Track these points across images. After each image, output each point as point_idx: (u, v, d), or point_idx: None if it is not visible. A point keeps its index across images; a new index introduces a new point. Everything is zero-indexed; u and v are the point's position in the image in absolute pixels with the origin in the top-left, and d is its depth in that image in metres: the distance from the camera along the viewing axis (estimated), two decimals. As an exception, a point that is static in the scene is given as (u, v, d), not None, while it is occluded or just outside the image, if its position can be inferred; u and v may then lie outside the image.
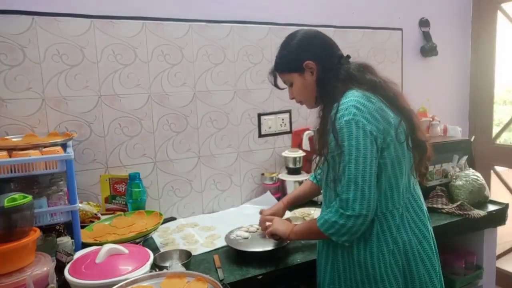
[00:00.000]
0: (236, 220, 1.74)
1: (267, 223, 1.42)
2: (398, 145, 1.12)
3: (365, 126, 1.06)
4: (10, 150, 1.29)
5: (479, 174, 1.92)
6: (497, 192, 2.42)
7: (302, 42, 1.21)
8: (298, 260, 1.39)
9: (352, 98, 1.10)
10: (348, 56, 1.23)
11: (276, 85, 1.32)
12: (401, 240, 1.14)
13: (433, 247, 1.21)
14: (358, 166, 1.05)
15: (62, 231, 1.44)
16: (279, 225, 1.34)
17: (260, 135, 2.09)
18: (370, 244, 1.13)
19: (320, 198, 1.89)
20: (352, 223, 1.06)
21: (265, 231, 1.41)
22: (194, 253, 1.42)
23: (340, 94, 1.13)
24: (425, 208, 1.24)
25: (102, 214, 1.68)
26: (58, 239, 1.35)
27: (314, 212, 1.77)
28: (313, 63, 1.18)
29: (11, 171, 1.25)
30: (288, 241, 1.40)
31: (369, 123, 1.06)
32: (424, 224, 1.19)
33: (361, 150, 1.05)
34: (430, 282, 1.16)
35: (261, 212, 1.53)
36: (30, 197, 1.13)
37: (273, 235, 1.36)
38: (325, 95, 1.18)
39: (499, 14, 2.60)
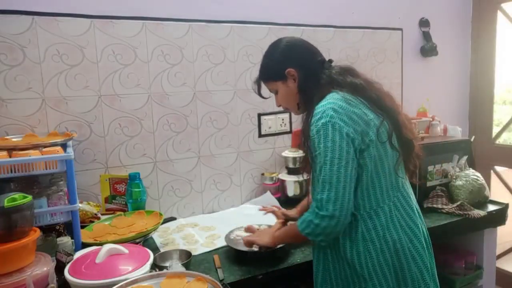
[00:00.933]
0: (236, 220, 1.73)
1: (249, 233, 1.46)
2: (380, 144, 1.13)
3: (342, 128, 1.07)
4: (10, 150, 1.29)
5: (479, 174, 1.92)
6: (497, 192, 2.42)
7: (284, 50, 1.24)
8: (298, 260, 1.39)
9: (330, 100, 1.12)
10: (330, 61, 1.26)
11: (260, 94, 1.36)
12: (391, 238, 1.14)
13: (424, 245, 1.20)
14: (332, 167, 1.07)
15: (62, 231, 1.44)
16: (260, 236, 1.36)
17: (260, 135, 2.09)
18: (357, 244, 1.14)
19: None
20: (326, 224, 1.08)
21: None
22: (194, 253, 1.42)
23: (320, 98, 1.16)
24: (415, 206, 1.24)
25: (102, 214, 1.68)
26: (58, 239, 1.35)
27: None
28: (294, 70, 1.22)
29: (11, 171, 1.25)
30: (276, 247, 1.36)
31: (346, 125, 1.08)
32: (414, 222, 1.19)
33: (337, 152, 1.07)
34: (422, 281, 1.16)
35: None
36: (30, 197, 1.13)
37: (250, 244, 1.36)
38: (306, 101, 1.21)
39: (499, 14, 2.60)
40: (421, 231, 1.21)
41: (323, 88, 1.19)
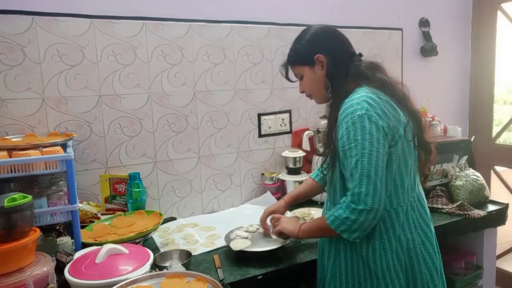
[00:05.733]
0: (236, 220, 1.74)
1: (275, 223, 1.42)
2: (406, 143, 1.13)
3: (378, 121, 1.07)
4: (10, 150, 1.29)
5: (479, 174, 1.92)
6: (497, 192, 2.42)
7: (315, 36, 1.22)
8: (298, 260, 1.39)
9: (363, 94, 1.11)
10: (360, 54, 1.25)
11: (287, 77, 1.34)
12: (405, 238, 1.14)
13: (435, 247, 1.21)
14: (371, 160, 1.05)
15: (62, 231, 1.44)
16: (286, 224, 1.33)
17: (260, 135, 2.09)
18: (373, 241, 1.14)
19: (319, 198, 1.89)
20: (364, 218, 1.06)
21: (268, 230, 1.41)
22: (194, 253, 1.42)
23: (349, 90, 1.15)
24: (427, 208, 1.25)
25: (102, 214, 1.68)
26: (58, 239, 1.35)
27: (314, 212, 1.77)
28: (323, 57, 1.19)
29: (11, 171, 1.24)
30: (293, 239, 1.37)
31: (381, 119, 1.08)
32: (427, 224, 1.20)
33: (374, 144, 1.06)
34: (432, 282, 1.17)
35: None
36: (30, 197, 1.13)
37: (281, 234, 1.36)
38: (333, 90, 1.19)
39: (499, 14, 2.60)
40: (433, 233, 1.22)
41: (351, 80, 1.17)
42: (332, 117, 1.16)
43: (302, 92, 1.31)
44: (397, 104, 1.15)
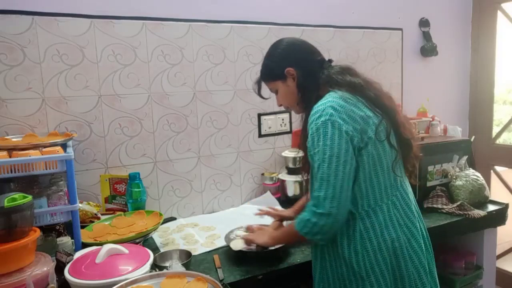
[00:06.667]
0: (236, 220, 1.73)
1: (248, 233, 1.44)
2: (379, 143, 1.14)
3: (341, 126, 1.09)
4: (10, 150, 1.29)
5: (479, 174, 1.92)
6: (497, 192, 2.42)
7: (284, 50, 1.27)
8: (298, 260, 1.39)
9: (330, 99, 1.13)
10: (330, 60, 1.28)
11: (260, 94, 1.39)
12: (389, 237, 1.14)
13: (422, 244, 1.20)
14: (331, 165, 1.08)
15: (62, 231, 1.44)
16: (258, 235, 1.37)
17: (260, 135, 2.09)
18: (354, 242, 1.15)
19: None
20: (324, 222, 1.08)
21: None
22: (194, 253, 1.42)
23: (318, 97, 1.18)
24: (414, 205, 1.24)
25: (102, 214, 1.68)
26: (58, 239, 1.35)
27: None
28: (293, 70, 1.24)
29: (11, 171, 1.24)
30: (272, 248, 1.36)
31: (346, 123, 1.09)
32: (412, 222, 1.19)
33: (335, 150, 1.08)
34: (419, 280, 1.16)
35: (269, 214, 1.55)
36: (30, 197, 1.13)
37: (252, 243, 1.36)
38: (306, 100, 1.23)
39: (499, 14, 2.60)
40: (419, 230, 1.21)
41: (322, 87, 1.21)
42: (304, 124, 1.21)
43: (280, 105, 1.35)
44: (368, 104, 1.16)
